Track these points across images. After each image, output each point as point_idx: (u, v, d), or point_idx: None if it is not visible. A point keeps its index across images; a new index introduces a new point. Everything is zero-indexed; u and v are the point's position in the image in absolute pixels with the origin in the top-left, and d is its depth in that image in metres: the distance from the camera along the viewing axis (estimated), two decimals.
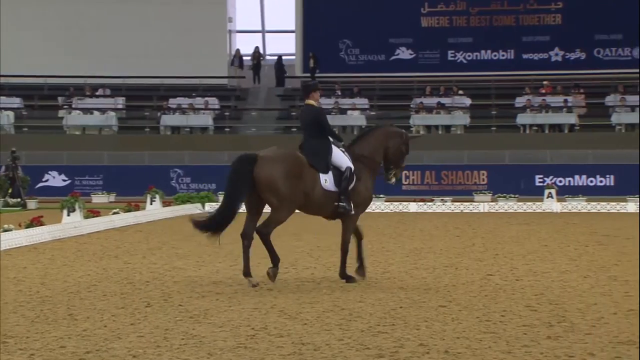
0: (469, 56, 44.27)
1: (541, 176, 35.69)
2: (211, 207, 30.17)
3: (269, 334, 8.20)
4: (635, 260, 14.36)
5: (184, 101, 42.28)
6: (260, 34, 47.57)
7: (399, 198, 31.52)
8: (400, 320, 8.89)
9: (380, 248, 16.61)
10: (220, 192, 32.99)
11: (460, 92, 41.83)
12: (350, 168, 11.74)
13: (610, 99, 40.51)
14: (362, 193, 11.91)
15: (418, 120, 39.87)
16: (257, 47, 45.68)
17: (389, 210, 29.54)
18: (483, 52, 44.17)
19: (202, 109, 42.20)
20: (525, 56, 43.84)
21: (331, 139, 11.94)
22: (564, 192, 32.45)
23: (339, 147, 11.96)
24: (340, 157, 11.81)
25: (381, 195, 30.42)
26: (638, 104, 39.74)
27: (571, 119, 39.52)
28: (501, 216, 27.06)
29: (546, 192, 30.76)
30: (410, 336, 8.08)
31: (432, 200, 31.01)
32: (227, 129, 41.97)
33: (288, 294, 10.68)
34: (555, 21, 43.66)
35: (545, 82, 41.99)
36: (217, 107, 42.91)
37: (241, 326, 8.59)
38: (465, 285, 11.40)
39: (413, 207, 29.94)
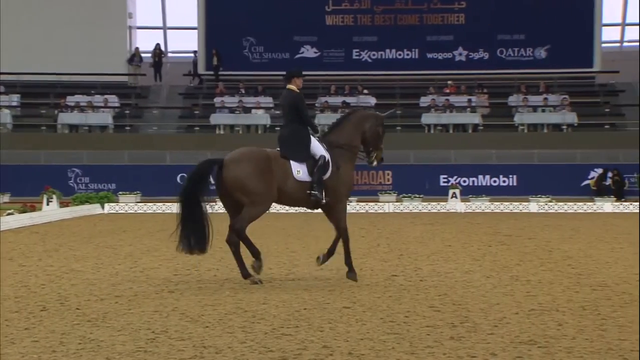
0: (373, 55, 44.64)
1: (445, 176, 36.20)
2: (110, 207, 29.80)
3: (169, 338, 8.14)
4: (535, 259, 14.70)
5: (82, 99, 41.61)
6: (161, 31, 47.13)
7: None
8: (304, 322, 8.92)
9: (285, 249, 16.64)
10: (121, 192, 32.64)
11: (365, 91, 42.16)
12: (324, 157, 11.97)
13: (513, 99, 41.33)
14: (344, 182, 12.17)
15: (323, 119, 39.95)
16: (157, 44, 45.18)
17: (293, 211, 29.57)
18: (388, 51, 44.58)
19: (101, 107, 41.62)
20: (429, 55, 44.39)
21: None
22: (468, 192, 32.97)
23: (314, 136, 12.20)
24: (316, 146, 12.06)
25: None
26: (541, 104, 40.66)
27: (475, 118, 40.18)
28: (406, 216, 27.36)
29: (450, 192, 31.21)
30: (314, 338, 8.11)
31: None
32: (127, 128, 41.48)
33: (190, 296, 10.61)
34: (459, 21, 44.32)
35: (449, 82, 42.61)
36: (117, 105, 42.36)
37: (141, 329, 8.50)
38: (370, 286, 11.49)
39: None
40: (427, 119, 40.11)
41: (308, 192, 11.87)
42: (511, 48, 44.12)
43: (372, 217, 27.08)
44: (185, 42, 46.40)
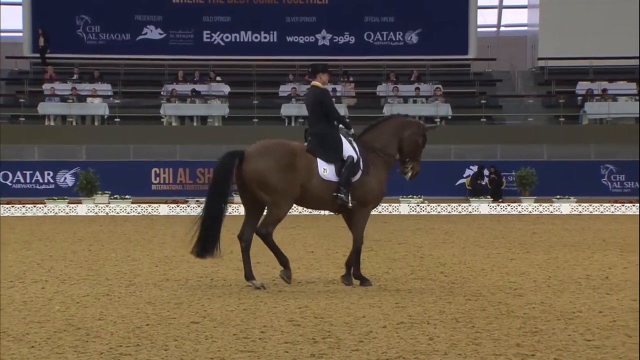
0: (226, 37, 44.61)
1: None
2: None
3: None
4: (405, 267, 14.98)
5: None
6: None
7: (148, 199, 31.33)
8: (146, 339, 8.87)
9: (125, 257, 16.49)
10: None
11: (218, 78, 42.09)
12: (352, 157, 12.29)
13: (382, 89, 41.93)
14: (373, 187, 12.59)
15: (170, 109, 39.76)
16: None
17: (135, 214, 29.30)
18: (243, 33, 44.63)
19: None
20: (289, 39, 44.64)
21: (340, 126, 12.56)
22: None
23: (346, 135, 12.50)
24: (347, 148, 12.37)
25: (127, 197, 30.22)
26: (413, 94, 41.39)
27: (340, 110, 40.48)
28: None
29: None
30: (158, 358, 8.08)
31: (186, 202, 31.03)
32: None
33: (13, 312, 10.41)
34: (322, 0, 44.70)
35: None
36: None
37: None
38: (222, 299, 11.50)
39: (164, 209, 29.84)
40: (287, 110, 40.17)
41: (334, 194, 12.19)
42: (380, 32, 44.77)
43: (226, 220, 26.98)
44: (8, 20, 45.37)
